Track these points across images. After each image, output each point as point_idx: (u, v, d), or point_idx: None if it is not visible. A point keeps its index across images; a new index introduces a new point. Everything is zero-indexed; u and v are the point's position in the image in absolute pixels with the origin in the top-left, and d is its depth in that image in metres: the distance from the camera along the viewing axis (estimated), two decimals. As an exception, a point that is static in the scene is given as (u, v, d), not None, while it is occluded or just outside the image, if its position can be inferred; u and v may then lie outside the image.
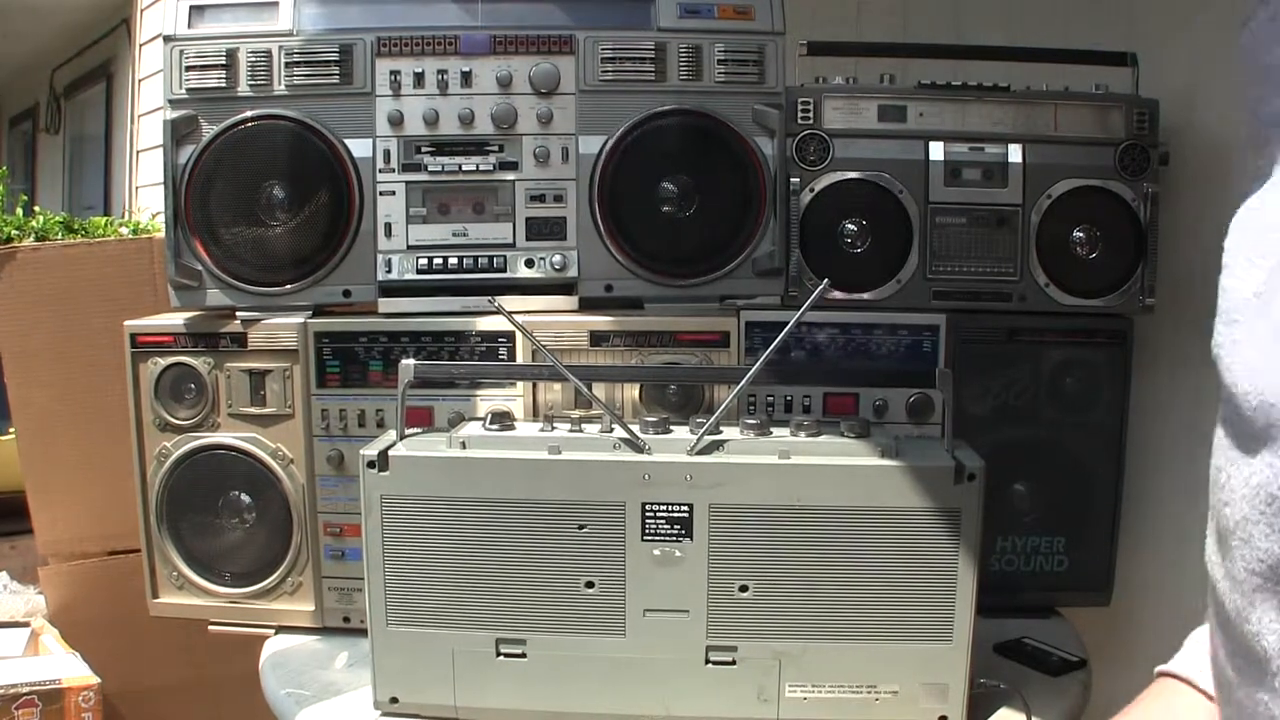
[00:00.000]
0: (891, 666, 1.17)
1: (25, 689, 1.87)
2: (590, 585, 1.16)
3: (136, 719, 2.12)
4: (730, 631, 1.16)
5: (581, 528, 1.16)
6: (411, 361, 1.26)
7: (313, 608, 1.44)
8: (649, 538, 1.15)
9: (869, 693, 1.17)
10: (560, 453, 1.17)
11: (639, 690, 1.17)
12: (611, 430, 1.20)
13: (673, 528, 1.15)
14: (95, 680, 1.92)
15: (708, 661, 1.17)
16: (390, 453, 1.18)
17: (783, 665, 1.17)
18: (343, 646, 1.40)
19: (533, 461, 1.16)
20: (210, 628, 1.47)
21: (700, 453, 1.17)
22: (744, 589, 1.15)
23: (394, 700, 1.21)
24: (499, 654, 1.18)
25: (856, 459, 1.16)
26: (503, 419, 1.23)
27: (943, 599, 1.15)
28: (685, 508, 1.15)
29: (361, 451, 1.18)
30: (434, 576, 1.18)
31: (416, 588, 1.18)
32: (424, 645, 1.19)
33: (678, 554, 1.15)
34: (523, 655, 1.18)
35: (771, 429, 1.21)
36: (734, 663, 1.17)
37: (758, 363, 1.21)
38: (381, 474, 1.17)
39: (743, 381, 1.21)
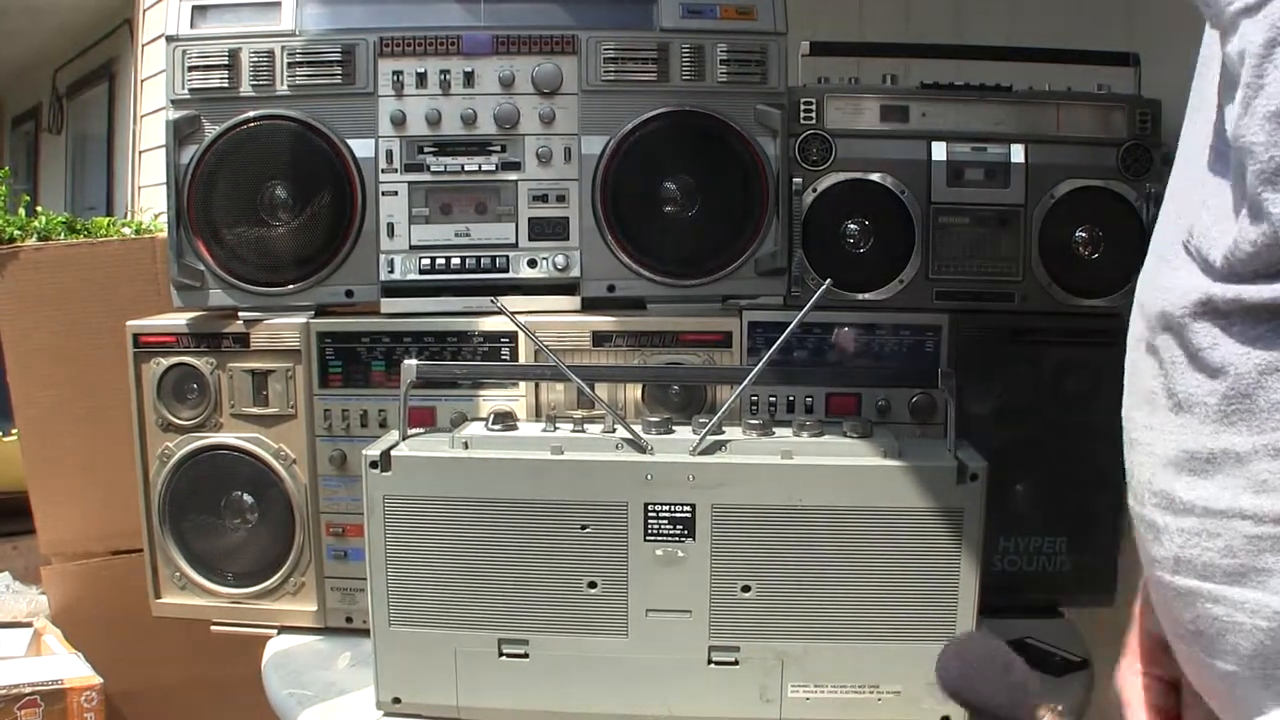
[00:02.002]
0: (894, 666, 1.17)
1: (28, 689, 1.87)
2: (593, 585, 1.16)
3: (138, 719, 2.12)
4: (733, 631, 1.16)
5: (584, 528, 1.16)
6: (414, 362, 1.27)
7: (315, 608, 1.44)
8: (651, 538, 1.15)
9: (871, 693, 1.17)
10: (563, 453, 1.17)
11: (641, 690, 1.18)
12: (614, 430, 1.20)
13: (675, 528, 1.15)
14: (98, 680, 1.92)
15: (710, 662, 1.17)
16: (393, 453, 1.18)
17: (785, 665, 1.17)
18: (345, 647, 1.40)
19: (535, 462, 1.17)
20: (213, 628, 1.47)
21: (703, 453, 1.17)
22: (746, 589, 1.15)
23: (396, 700, 1.21)
24: (501, 654, 1.18)
25: (859, 459, 1.16)
26: (505, 419, 1.23)
27: (945, 599, 1.15)
28: (688, 508, 1.15)
29: (364, 452, 1.18)
30: (436, 577, 1.18)
31: (419, 588, 1.18)
32: (426, 645, 1.19)
33: (680, 554, 1.15)
34: (525, 655, 1.18)
35: (774, 429, 1.21)
36: (736, 663, 1.17)
37: (760, 363, 1.21)
38: (384, 474, 1.17)
39: (745, 381, 1.21)
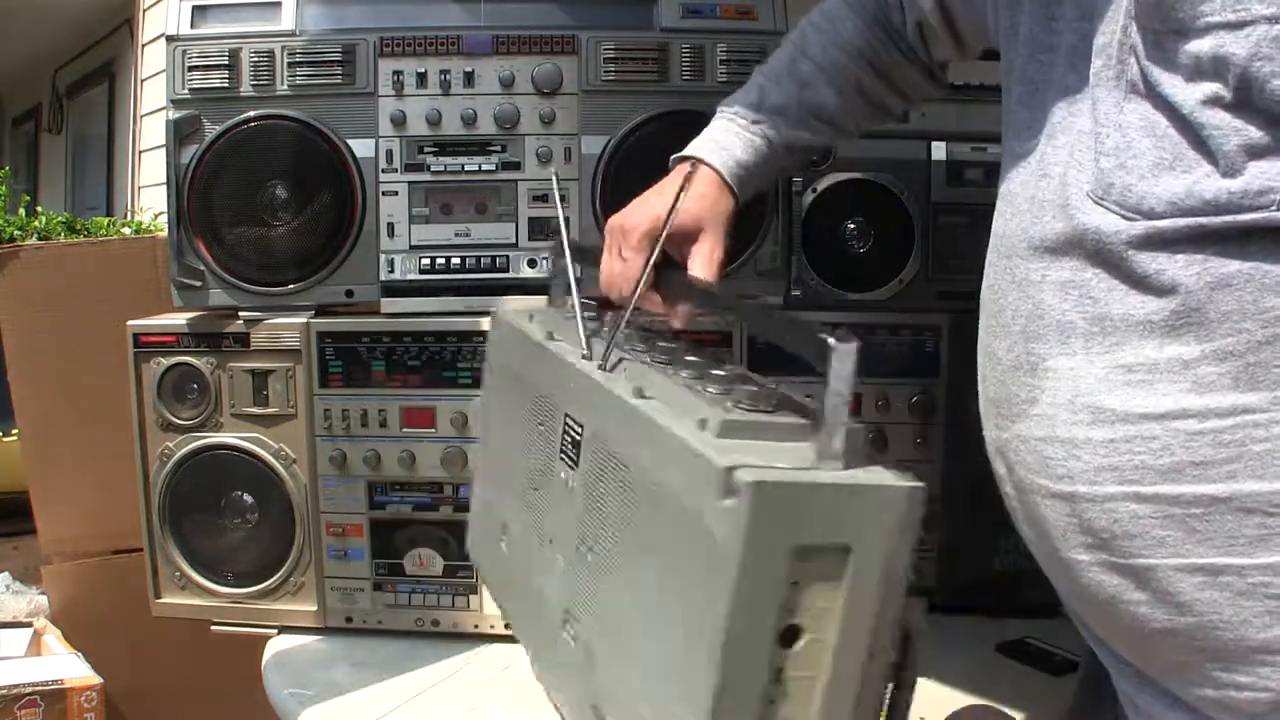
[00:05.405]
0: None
1: (28, 689, 1.87)
2: (536, 489, 0.97)
3: (139, 719, 2.12)
4: (575, 599, 0.89)
5: (540, 424, 0.97)
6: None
7: (315, 608, 1.44)
8: (562, 456, 0.92)
9: None
10: (551, 339, 1.00)
11: (543, 621, 0.95)
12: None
13: (574, 451, 0.90)
14: (98, 680, 1.92)
15: (562, 625, 0.91)
16: (499, 313, 1.12)
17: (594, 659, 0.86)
18: (345, 647, 1.40)
19: (533, 343, 1.03)
20: (213, 628, 1.47)
21: (613, 370, 0.89)
22: (588, 551, 0.85)
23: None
24: (500, 537, 1.09)
25: (668, 422, 0.75)
26: (593, 308, 1.05)
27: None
28: (578, 429, 0.89)
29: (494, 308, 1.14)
30: (500, 445, 1.11)
31: (495, 453, 1.13)
32: (489, 512, 1.13)
33: (570, 484, 0.89)
34: (504, 542, 1.08)
35: (706, 372, 0.86)
36: (575, 638, 0.88)
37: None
38: (493, 335, 1.12)
39: (638, 290, 0.98)
